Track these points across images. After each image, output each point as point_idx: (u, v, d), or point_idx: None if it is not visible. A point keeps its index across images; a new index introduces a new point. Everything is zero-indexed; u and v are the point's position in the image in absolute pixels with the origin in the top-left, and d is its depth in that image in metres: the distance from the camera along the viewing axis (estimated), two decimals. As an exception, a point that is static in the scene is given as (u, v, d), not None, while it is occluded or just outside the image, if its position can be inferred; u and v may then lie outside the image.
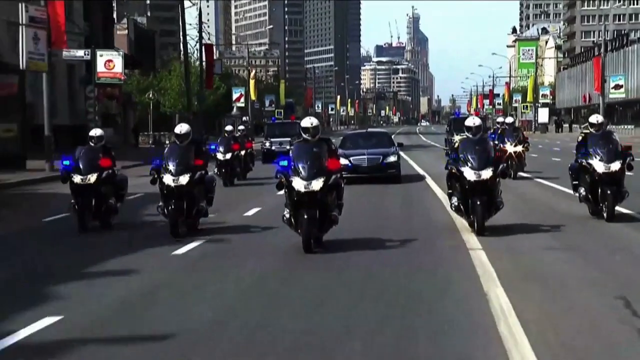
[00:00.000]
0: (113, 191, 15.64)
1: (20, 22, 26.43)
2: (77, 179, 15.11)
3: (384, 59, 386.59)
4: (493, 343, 7.05)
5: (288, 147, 32.89)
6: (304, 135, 12.36)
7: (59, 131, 32.91)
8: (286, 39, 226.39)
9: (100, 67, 35.19)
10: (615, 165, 14.52)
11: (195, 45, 56.96)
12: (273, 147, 36.35)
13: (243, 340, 7.31)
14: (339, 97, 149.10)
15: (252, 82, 78.30)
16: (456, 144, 14.20)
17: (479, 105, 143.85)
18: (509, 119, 28.12)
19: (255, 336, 7.42)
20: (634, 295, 8.57)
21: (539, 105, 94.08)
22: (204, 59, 51.61)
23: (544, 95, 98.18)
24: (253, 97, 77.75)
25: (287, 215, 12.12)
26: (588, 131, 15.32)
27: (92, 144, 15.59)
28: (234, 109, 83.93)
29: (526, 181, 23.89)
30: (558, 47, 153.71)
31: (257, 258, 11.79)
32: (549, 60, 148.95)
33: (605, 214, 14.48)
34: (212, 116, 77.89)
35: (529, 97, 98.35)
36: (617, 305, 8.17)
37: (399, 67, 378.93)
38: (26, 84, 31.90)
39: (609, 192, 14.38)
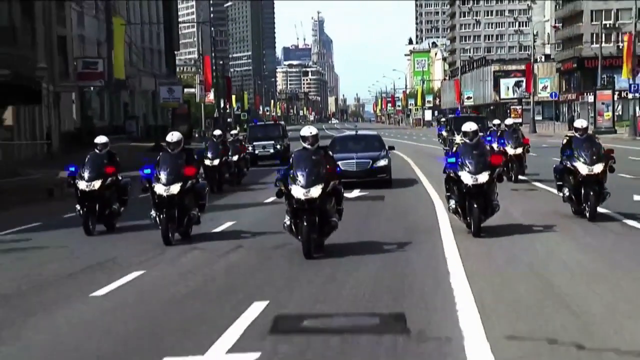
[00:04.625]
0: (116, 196, 16.38)
1: (197, 83, 62.42)
2: (82, 185, 15.79)
3: (294, 62, 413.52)
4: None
5: (272, 151, 35.52)
6: (303, 144, 12.87)
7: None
8: (213, 48, 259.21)
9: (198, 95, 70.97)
10: (598, 167, 14.94)
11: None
12: (256, 152, 35.34)
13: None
14: (272, 101, 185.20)
15: (233, 96, 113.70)
16: (455, 148, 14.62)
17: (383, 107, 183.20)
18: (509, 121, 27.37)
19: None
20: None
21: (426, 108, 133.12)
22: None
23: (429, 101, 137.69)
24: (234, 104, 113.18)
25: (288, 222, 12.47)
26: (572, 135, 15.79)
27: (98, 151, 16.26)
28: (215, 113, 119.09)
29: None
30: (444, 59, 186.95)
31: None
32: (438, 70, 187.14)
33: (587, 214, 14.91)
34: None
35: (419, 102, 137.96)
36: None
37: (308, 69, 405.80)
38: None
39: (591, 192, 14.86)
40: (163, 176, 14.23)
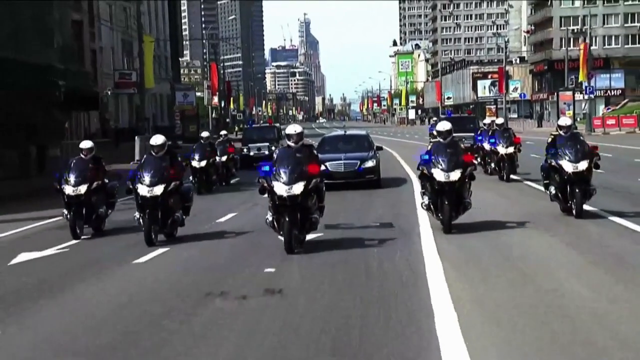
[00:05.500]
0: (104, 200, 16.39)
1: (205, 88, 70.35)
2: (68, 190, 15.77)
3: (282, 63, 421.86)
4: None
5: (267, 152, 33.20)
6: (287, 142, 13.19)
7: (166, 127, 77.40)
8: (205, 50, 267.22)
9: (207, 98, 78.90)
10: (583, 165, 14.96)
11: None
12: (251, 153, 35.26)
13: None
14: (264, 101, 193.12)
15: (231, 98, 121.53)
16: (429, 147, 14.71)
17: (369, 106, 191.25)
18: (499, 120, 27.01)
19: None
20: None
21: (410, 108, 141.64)
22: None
23: (412, 101, 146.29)
24: (232, 106, 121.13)
25: (270, 218, 12.80)
26: (557, 133, 15.60)
27: (83, 156, 16.18)
28: (213, 114, 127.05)
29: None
30: (427, 60, 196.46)
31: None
32: (421, 70, 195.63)
33: (574, 211, 14.96)
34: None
35: (403, 102, 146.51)
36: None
37: (295, 70, 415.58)
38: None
39: (577, 190, 14.90)
40: (147, 178, 14.42)
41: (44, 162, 35.68)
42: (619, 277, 10.09)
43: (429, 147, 14.73)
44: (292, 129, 13.31)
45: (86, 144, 16.62)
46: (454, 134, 24.05)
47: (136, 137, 43.58)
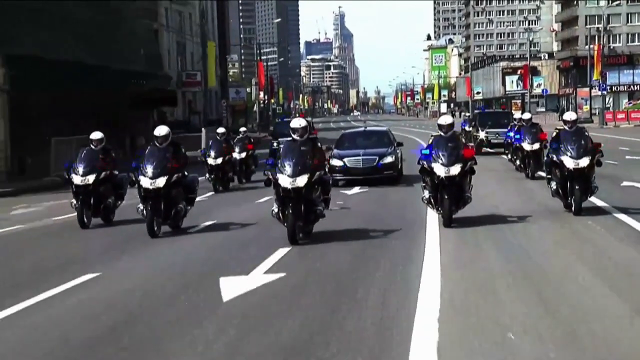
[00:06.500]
0: (112, 191, 16.54)
1: (253, 84, 77.50)
2: (76, 179, 16.03)
3: (317, 57, 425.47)
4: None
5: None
6: (292, 135, 13.31)
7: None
8: (242, 44, 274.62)
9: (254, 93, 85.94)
10: (584, 162, 14.64)
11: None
12: (282, 147, 38.35)
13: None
14: (301, 95, 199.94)
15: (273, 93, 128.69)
16: (430, 141, 14.52)
17: (403, 100, 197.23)
18: (526, 115, 25.87)
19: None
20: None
21: (441, 101, 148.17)
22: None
23: (444, 95, 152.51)
24: (272, 100, 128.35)
25: (276, 210, 12.97)
26: (562, 128, 15.41)
27: (93, 147, 16.41)
28: (254, 107, 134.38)
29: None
30: (460, 55, 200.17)
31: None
32: (454, 65, 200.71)
33: (572, 208, 14.63)
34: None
35: (435, 96, 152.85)
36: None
37: (330, 63, 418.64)
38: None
39: (577, 187, 14.57)
40: (149, 169, 14.44)
41: (134, 149, 43.28)
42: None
43: (430, 141, 14.67)
44: (297, 122, 13.61)
45: (96, 135, 16.70)
46: (488, 130, 28.29)
47: (202, 129, 50.71)
